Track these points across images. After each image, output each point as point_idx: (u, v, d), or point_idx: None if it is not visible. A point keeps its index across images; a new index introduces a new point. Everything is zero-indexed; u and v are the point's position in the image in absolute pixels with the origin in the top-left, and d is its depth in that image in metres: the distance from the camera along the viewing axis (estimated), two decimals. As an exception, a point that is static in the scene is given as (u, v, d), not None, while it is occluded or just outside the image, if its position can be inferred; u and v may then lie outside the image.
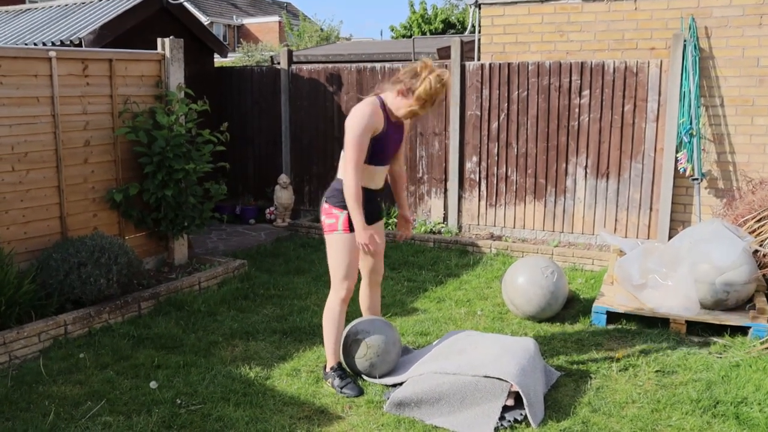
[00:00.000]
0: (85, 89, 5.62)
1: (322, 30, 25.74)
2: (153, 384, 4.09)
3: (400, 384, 4.01)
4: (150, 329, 5.01)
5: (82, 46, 7.12)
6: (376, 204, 4.23)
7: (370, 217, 4.09)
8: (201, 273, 6.07)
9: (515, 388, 3.70)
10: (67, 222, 5.55)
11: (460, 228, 7.85)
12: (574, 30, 7.39)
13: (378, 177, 4.08)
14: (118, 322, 5.15)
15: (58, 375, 4.27)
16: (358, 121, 3.82)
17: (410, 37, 14.47)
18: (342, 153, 3.98)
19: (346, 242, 4.01)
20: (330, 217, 4.05)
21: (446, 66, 7.70)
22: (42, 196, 5.38)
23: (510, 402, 3.72)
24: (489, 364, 3.85)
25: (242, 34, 39.03)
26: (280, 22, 34.63)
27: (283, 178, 8.47)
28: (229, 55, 21.29)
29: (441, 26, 25.20)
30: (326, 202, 4.08)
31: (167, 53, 6.21)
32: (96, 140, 5.74)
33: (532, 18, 7.57)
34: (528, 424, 3.66)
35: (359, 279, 4.31)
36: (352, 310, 4.81)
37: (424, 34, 24.11)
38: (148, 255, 6.27)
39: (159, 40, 6.26)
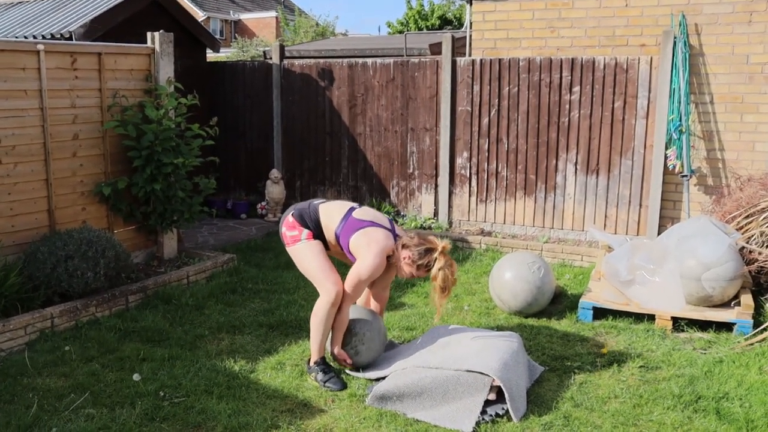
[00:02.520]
0: (74, 82, 5.61)
1: (317, 25, 25.70)
2: (136, 376, 4.10)
3: (384, 378, 4.02)
4: (137, 322, 5.02)
5: (72, 40, 7.11)
6: None
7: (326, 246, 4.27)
8: (190, 267, 6.08)
9: (497, 382, 3.72)
10: (56, 215, 5.55)
11: (450, 224, 7.86)
12: (565, 26, 7.40)
13: (342, 257, 4.29)
14: (105, 315, 5.15)
15: (44, 367, 4.28)
16: (366, 270, 4.00)
17: (408, 33, 14.46)
18: (338, 213, 4.17)
19: (310, 247, 4.12)
20: (293, 229, 4.16)
21: (437, 62, 7.72)
22: (30, 189, 5.37)
23: (492, 396, 3.74)
24: (471, 359, 3.86)
25: (239, 29, 38.96)
26: (276, 18, 34.57)
27: (275, 173, 8.47)
28: (224, 50, 21.29)
29: (438, 22, 25.19)
30: (292, 216, 4.19)
31: (157, 47, 6.20)
32: (85, 134, 5.74)
33: (523, 14, 7.58)
34: (509, 419, 3.68)
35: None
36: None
37: (420, 30, 24.10)
38: (137, 249, 6.26)
39: (149, 34, 6.25)
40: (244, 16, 40.54)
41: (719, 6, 6.69)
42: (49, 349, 4.53)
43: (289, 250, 4.21)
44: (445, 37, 7.67)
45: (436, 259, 3.98)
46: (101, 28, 7.36)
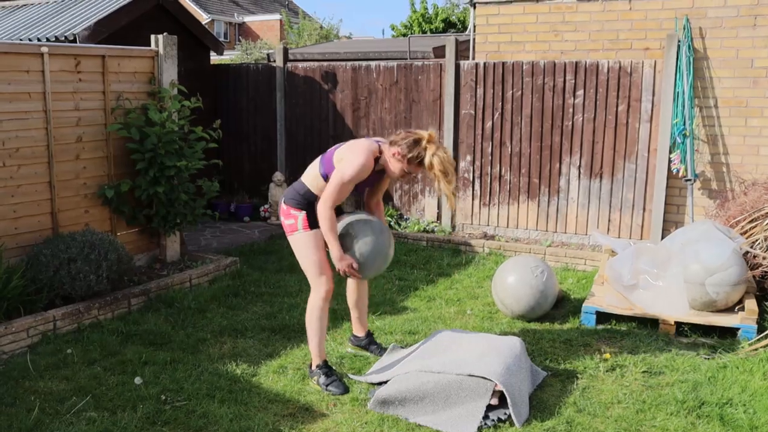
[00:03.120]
0: (78, 85, 5.62)
1: (321, 28, 25.73)
2: (138, 380, 4.09)
3: (386, 382, 4.00)
4: (139, 326, 5.02)
5: (76, 42, 7.13)
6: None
7: None
8: (192, 270, 6.08)
9: (500, 387, 3.70)
10: (59, 218, 5.55)
11: (453, 227, 7.85)
12: (569, 30, 7.38)
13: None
14: (107, 318, 5.15)
15: (45, 370, 4.28)
16: (351, 169, 3.86)
17: (411, 36, 14.46)
18: (316, 163, 4.09)
19: (308, 240, 4.06)
20: (289, 218, 4.09)
21: (441, 66, 7.71)
22: (33, 192, 5.38)
23: (494, 401, 3.72)
24: (474, 363, 3.85)
25: (243, 31, 39.06)
26: (280, 21, 34.62)
27: (278, 176, 8.47)
28: (229, 52, 21.33)
29: (442, 26, 25.19)
30: (285, 203, 4.13)
31: (160, 50, 6.20)
32: (88, 136, 5.74)
33: (526, 17, 7.57)
34: (512, 424, 3.66)
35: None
36: (343, 307, 4.82)
37: (424, 33, 24.10)
38: (139, 251, 6.27)
39: (152, 36, 6.25)
40: (249, 19, 40.62)
41: (724, 9, 6.67)
42: (51, 352, 4.53)
43: (288, 239, 4.17)
44: (449, 41, 7.67)
45: (425, 147, 3.86)
46: (105, 31, 7.37)
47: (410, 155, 3.88)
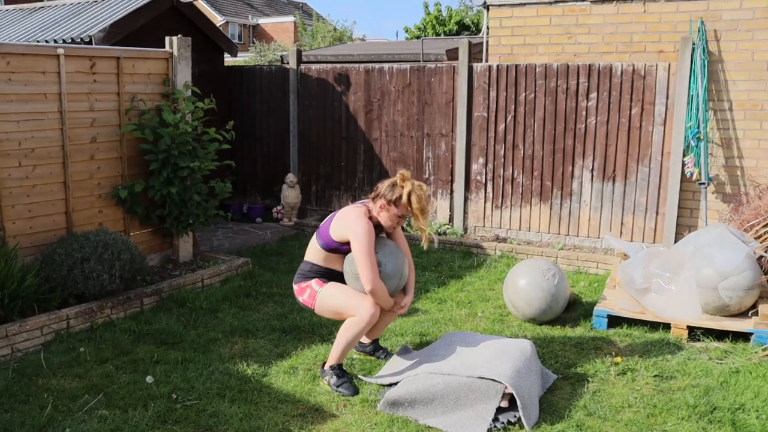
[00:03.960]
0: (93, 86, 5.67)
1: (335, 30, 25.79)
2: (149, 378, 4.12)
3: (396, 383, 4.01)
4: (151, 325, 5.05)
5: (92, 44, 7.19)
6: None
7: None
8: (204, 270, 6.11)
9: (509, 389, 3.70)
10: (73, 218, 5.60)
11: (465, 229, 7.84)
12: (582, 32, 7.36)
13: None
14: (119, 317, 5.19)
15: (59, 368, 4.32)
16: (361, 244, 3.92)
17: (425, 38, 14.46)
18: (314, 239, 4.22)
19: (330, 291, 4.14)
20: (303, 292, 4.23)
21: (454, 68, 7.71)
22: (48, 192, 5.44)
23: (504, 404, 3.72)
24: (484, 366, 3.84)
25: (257, 33, 39.21)
26: (294, 23, 34.73)
27: (291, 177, 8.50)
28: (243, 54, 21.42)
29: (455, 28, 25.18)
30: (295, 284, 4.28)
31: (175, 51, 6.25)
32: (102, 137, 5.79)
33: (540, 20, 7.56)
34: (521, 426, 3.66)
35: None
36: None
37: (438, 35, 24.10)
38: (152, 251, 6.31)
39: (167, 38, 6.30)
40: (263, 21, 40.78)
41: (739, 12, 6.63)
42: (64, 350, 4.57)
43: (315, 310, 4.21)
44: (462, 43, 7.67)
45: (402, 186, 4.01)
46: (120, 33, 7.43)
47: (392, 198, 4.02)
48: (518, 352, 4.05)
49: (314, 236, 4.26)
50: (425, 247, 4.31)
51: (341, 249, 4.13)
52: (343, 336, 4.09)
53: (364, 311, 3.98)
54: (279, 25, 39.69)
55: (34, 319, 4.68)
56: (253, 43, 26.72)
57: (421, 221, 4.04)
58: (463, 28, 25.19)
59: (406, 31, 27.12)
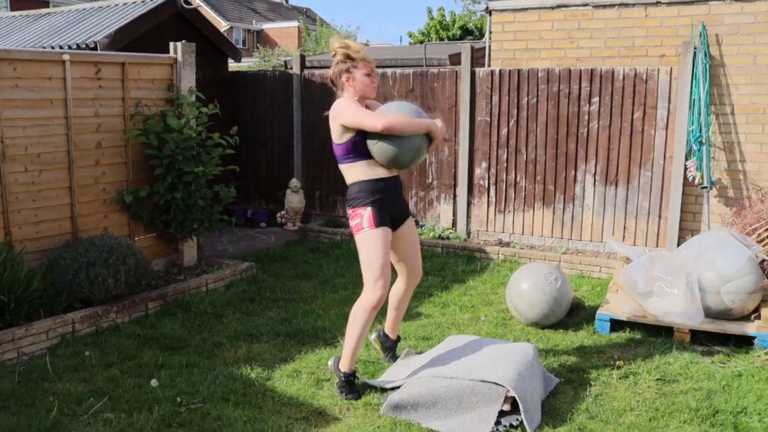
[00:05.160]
0: (98, 92, 5.71)
1: (339, 35, 25.85)
2: (154, 382, 4.15)
3: (399, 387, 4.03)
4: (156, 329, 5.08)
5: (97, 50, 7.24)
6: (398, 197, 4.13)
7: (396, 217, 4.10)
8: (209, 275, 6.14)
9: (512, 393, 3.71)
10: (78, 222, 5.64)
11: (468, 234, 7.86)
12: (585, 37, 7.39)
13: (383, 164, 4.00)
14: (125, 321, 5.22)
15: (64, 372, 4.35)
16: (349, 106, 3.93)
17: (428, 43, 14.51)
18: (340, 166, 4.09)
19: (372, 238, 3.91)
20: (354, 218, 3.99)
21: (456, 73, 7.74)
22: (54, 197, 5.48)
23: (506, 407, 3.73)
24: (486, 369, 3.87)
25: (261, 39, 39.30)
26: (298, 28, 34.83)
27: (294, 182, 8.54)
28: (247, 59, 21.50)
29: (459, 33, 25.25)
30: (349, 207, 4.05)
31: (179, 57, 6.29)
32: (107, 142, 5.84)
33: (542, 24, 7.59)
34: (524, 430, 3.67)
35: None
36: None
37: (441, 40, 24.16)
38: (157, 256, 6.34)
39: (171, 44, 6.35)
40: (267, 26, 40.91)
41: (740, 16, 6.65)
42: (69, 354, 4.61)
43: (355, 239, 4.04)
44: (465, 48, 7.70)
45: (336, 48, 4.04)
46: (125, 39, 7.48)
47: (345, 67, 4.00)
48: (520, 355, 4.07)
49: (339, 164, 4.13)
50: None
51: (358, 144, 3.95)
52: (352, 329, 3.97)
53: (366, 298, 3.90)
54: (283, 30, 39.82)
55: (39, 323, 4.72)
56: (257, 48, 26.80)
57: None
58: (466, 32, 25.25)
59: (410, 36, 27.20)
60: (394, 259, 4.26)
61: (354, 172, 4.02)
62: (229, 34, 36.98)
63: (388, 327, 4.58)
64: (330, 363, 4.25)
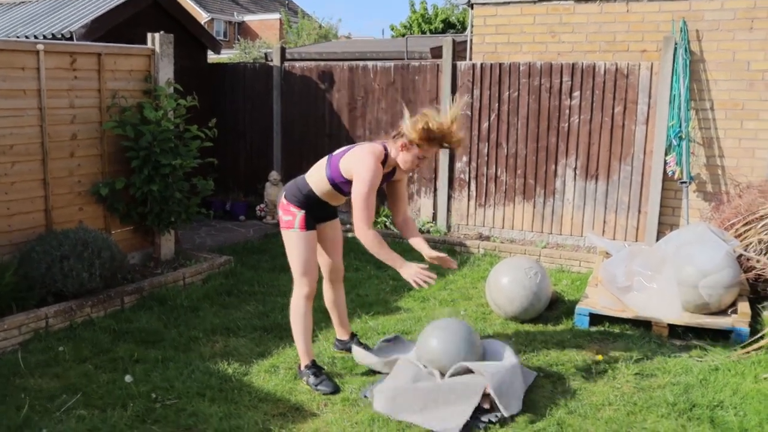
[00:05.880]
0: (73, 83, 5.61)
1: (320, 28, 25.73)
2: (128, 378, 4.08)
3: (381, 375, 4.00)
4: (131, 323, 5.01)
5: (73, 40, 7.11)
6: (329, 209, 4.24)
7: (322, 218, 4.19)
8: (186, 268, 6.07)
9: (489, 390, 3.69)
10: (53, 215, 5.54)
11: (449, 228, 7.84)
12: (566, 31, 7.38)
13: (341, 200, 4.13)
14: (99, 316, 5.14)
15: (36, 368, 4.27)
16: (364, 185, 3.76)
17: (409, 36, 14.47)
18: (323, 165, 4.04)
19: (301, 240, 4.05)
20: (287, 214, 4.07)
21: (438, 66, 7.70)
22: (27, 189, 5.37)
23: (486, 405, 3.71)
24: (465, 364, 3.84)
25: (242, 30, 39.02)
26: (280, 20, 34.61)
27: (274, 175, 8.47)
28: (228, 51, 21.32)
29: (441, 26, 25.18)
30: (285, 198, 4.09)
31: (157, 48, 6.19)
32: (83, 134, 5.73)
33: (524, 18, 7.57)
34: (502, 425, 3.66)
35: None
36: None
37: (424, 33, 24.10)
38: (133, 249, 6.26)
39: (149, 35, 6.25)
40: (248, 18, 40.59)
41: (721, 12, 6.67)
42: (42, 350, 4.52)
43: (282, 233, 4.15)
44: (446, 41, 7.66)
45: (423, 114, 3.76)
46: (102, 29, 7.36)
47: (413, 135, 3.76)
48: (499, 351, 4.06)
49: (323, 161, 4.03)
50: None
51: (343, 190, 3.96)
52: (294, 327, 4.16)
53: (297, 292, 4.09)
54: (264, 22, 39.52)
55: (11, 318, 4.63)
56: (238, 40, 26.59)
57: (455, 137, 3.77)
58: (448, 26, 25.20)
59: (392, 30, 27.10)
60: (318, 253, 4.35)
61: (319, 184, 4.04)
62: (210, 26, 36.66)
63: (337, 332, 4.63)
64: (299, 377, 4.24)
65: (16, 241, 5.28)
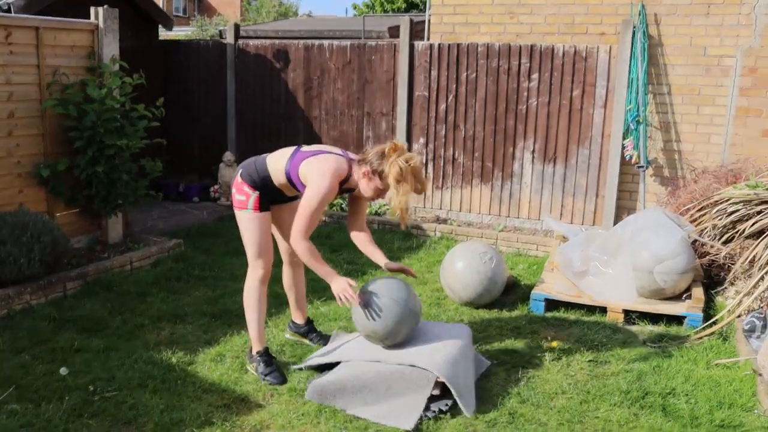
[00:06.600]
0: (9, 58, 5.32)
1: (281, 5, 25.30)
2: (63, 370, 3.89)
3: (326, 369, 3.88)
4: (74, 311, 4.81)
5: (11, 12, 6.77)
6: (285, 195, 4.05)
7: (278, 201, 4.04)
8: (134, 252, 5.87)
9: (441, 378, 3.60)
10: (-10, 197, 5.29)
11: (406, 211, 7.72)
12: (525, 12, 7.28)
13: (295, 193, 3.98)
14: (40, 303, 4.92)
15: (-31, 359, 4.06)
16: (315, 200, 3.62)
17: (366, 15, 14.26)
18: (287, 154, 3.86)
19: (255, 221, 3.90)
20: (241, 193, 3.90)
21: (395, 46, 7.55)
22: (-39, 170, 5.11)
23: (436, 392, 3.63)
24: (416, 353, 3.75)
25: (203, 7, 38.21)
26: (240, -4, 33.97)
27: (228, 156, 8.25)
28: (184, 28, 20.81)
29: (404, 6, 24.98)
30: (241, 176, 3.92)
31: (101, 23, 5.93)
32: (21, 112, 5.46)
33: (483, -1, 7.44)
34: (453, 415, 3.57)
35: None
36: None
37: (386, 12, 23.87)
38: (79, 233, 6.02)
39: (92, 9, 5.97)
40: (208, -6, 39.72)
41: (678, -4, 6.64)
42: (-24, 340, 4.31)
43: (235, 213, 3.98)
44: (403, 21, 7.51)
45: (388, 156, 3.58)
46: (43, 2, 7.02)
47: (379, 169, 3.64)
48: (453, 338, 3.97)
49: (289, 152, 3.85)
50: (402, 227, 3.97)
51: (297, 188, 3.82)
52: (248, 311, 4.02)
53: (251, 275, 3.98)
54: (224, -1, 38.72)
55: (-57, 306, 4.40)
56: (196, 16, 26.01)
57: (398, 198, 3.58)
58: (411, 6, 25.01)
59: (354, 8, 26.80)
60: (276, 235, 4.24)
61: (277, 173, 3.86)
62: (169, 2, 35.80)
63: (294, 314, 4.50)
64: (246, 360, 4.10)
65: (-51, 224, 5.02)
